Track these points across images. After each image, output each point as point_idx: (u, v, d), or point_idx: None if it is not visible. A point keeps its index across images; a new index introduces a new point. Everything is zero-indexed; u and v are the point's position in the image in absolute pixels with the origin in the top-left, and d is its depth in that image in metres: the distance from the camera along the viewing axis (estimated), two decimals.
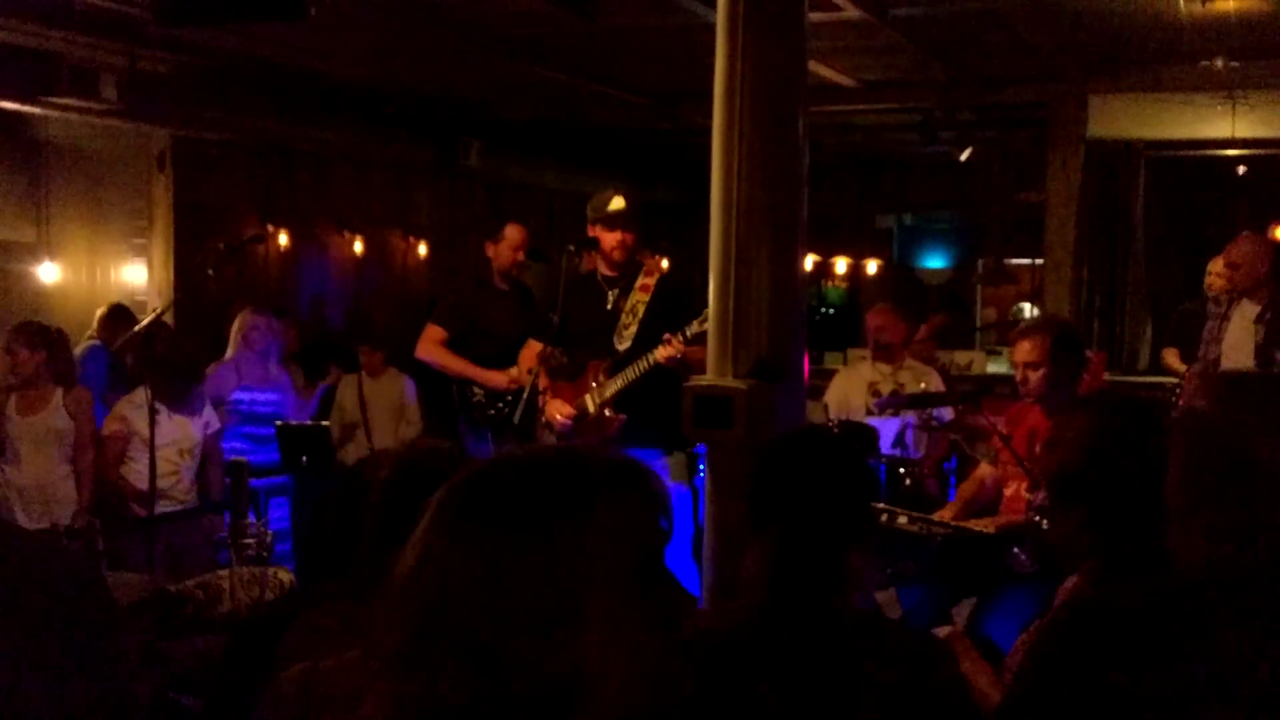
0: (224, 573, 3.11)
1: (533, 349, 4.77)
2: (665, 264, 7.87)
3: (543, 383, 4.63)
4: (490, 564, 1.02)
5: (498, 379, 5.24)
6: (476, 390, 5.34)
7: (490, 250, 5.56)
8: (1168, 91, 7.18)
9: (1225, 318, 5.78)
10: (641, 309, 4.54)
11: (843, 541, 1.86)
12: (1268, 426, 1.64)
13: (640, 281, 4.61)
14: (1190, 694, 1.72)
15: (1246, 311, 5.65)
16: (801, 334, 3.37)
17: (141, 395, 4.86)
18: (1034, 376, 3.81)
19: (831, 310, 12.39)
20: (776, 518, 1.89)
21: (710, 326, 3.36)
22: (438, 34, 6.38)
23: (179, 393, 5.00)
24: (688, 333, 4.16)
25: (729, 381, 3.17)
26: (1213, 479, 1.66)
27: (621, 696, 1.04)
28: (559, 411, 4.54)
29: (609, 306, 4.61)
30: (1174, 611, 1.72)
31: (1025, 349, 3.82)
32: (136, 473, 5.02)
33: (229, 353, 6.18)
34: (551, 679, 1.02)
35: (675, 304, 4.42)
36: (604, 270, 4.68)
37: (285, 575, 3.14)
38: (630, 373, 4.42)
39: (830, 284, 12.67)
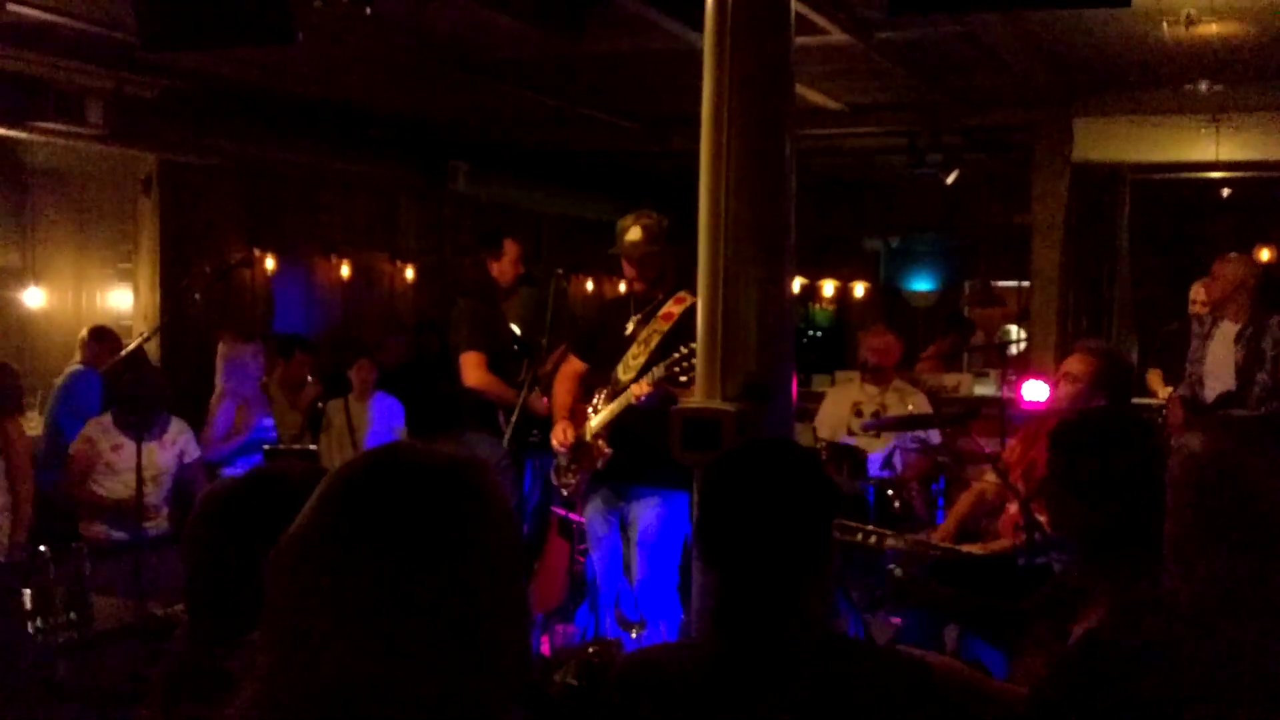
0: None
1: (571, 365, 4.68)
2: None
3: (561, 400, 4.56)
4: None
5: (542, 404, 5.22)
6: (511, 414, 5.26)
7: (494, 268, 5.57)
8: (1152, 114, 7.23)
9: (1208, 337, 5.82)
10: (655, 340, 4.30)
11: (795, 573, 1.75)
12: (1273, 470, 1.64)
13: (665, 310, 4.36)
14: None
15: (1227, 331, 5.68)
16: (790, 355, 3.37)
17: (109, 418, 4.89)
18: (1067, 390, 3.88)
19: (819, 333, 12.40)
20: (722, 550, 1.78)
21: (699, 348, 3.34)
22: (424, 57, 6.39)
23: (141, 421, 4.97)
24: (655, 374, 4.07)
25: (717, 404, 3.15)
26: (1221, 522, 1.64)
27: None
28: (559, 435, 4.49)
29: (628, 332, 4.42)
30: (1189, 650, 1.71)
31: (1073, 360, 3.89)
32: (101, 496, 5.11)
33: (220, 384, 6.10)
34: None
35: (692, 336, 4.15)
36: (634, 294, 4.49)
37: None
38: (614, 406, 4.29)
39: (818, 306, 12.69)
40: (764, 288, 3.32)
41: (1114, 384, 3.85)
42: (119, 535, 4.89)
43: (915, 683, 1.80)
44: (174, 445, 5.32)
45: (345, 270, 9.01)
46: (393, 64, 6.53)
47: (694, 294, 4.26)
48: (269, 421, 6.20)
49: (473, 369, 5.32)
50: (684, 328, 4.13)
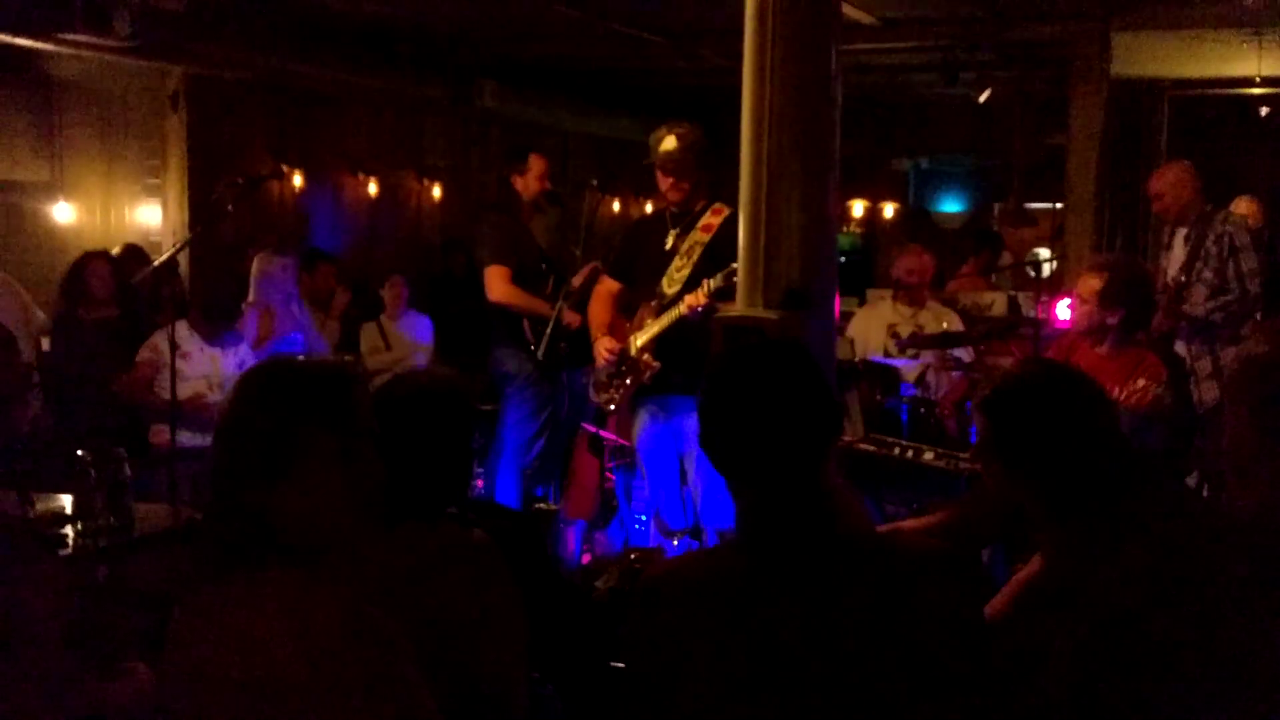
0: None
1: (605, 286, 4.66)
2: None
3: (598, 317, 4.53)
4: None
5: (574, 317, 5.22)
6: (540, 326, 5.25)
7: (518, 183, 5.51)
8: (1193, 28, 7.05)
9: (1168, 247, 5.84)
10: (698, 252, 4.29)
11: (817, 466, 1.72)
12: None
13: (704, 221, 4.35)
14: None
15: (1179, 236, 5.74)
16: (833, 266, 3.33)
17: (184, 327, 4.94)
18: (1081, 310, 3.82)
19: (843, 258, 12.29)
20: (740, 466, 1.75)
21: (740, 256, 3.31)
22: None
23: (210, 327, 5.05)
24: (710, 285, 4.04)
25: (759, 311, 3.13)
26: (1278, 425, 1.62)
27: None
28: (604, 348, 4.47)
29: (667, 246, 4.40)
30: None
31: (1082, 280, 3.85)
32: (168, 400, 5.09)
33: (252, 296, 6.15)
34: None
35: (735, 247, 4.25)
36: (671, 208, 4.47)
37: None
38: (666, 318, 4.28)
39: (843, 229, 12.58)
40: (807, 197, 3.28)
41: (1127, 295, 3.77)
42: (188, 440, 4.95)
43: (947, 571, 1.77)
44: (236, 355, 5.38)
45: (372, 188, 8.96)
46: None
47: (730, 206, 4.25)
48: (297, 335, 6.20)
49: (498, 282, 5.31)
50: (724, 238, 4.12)
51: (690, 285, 4.19)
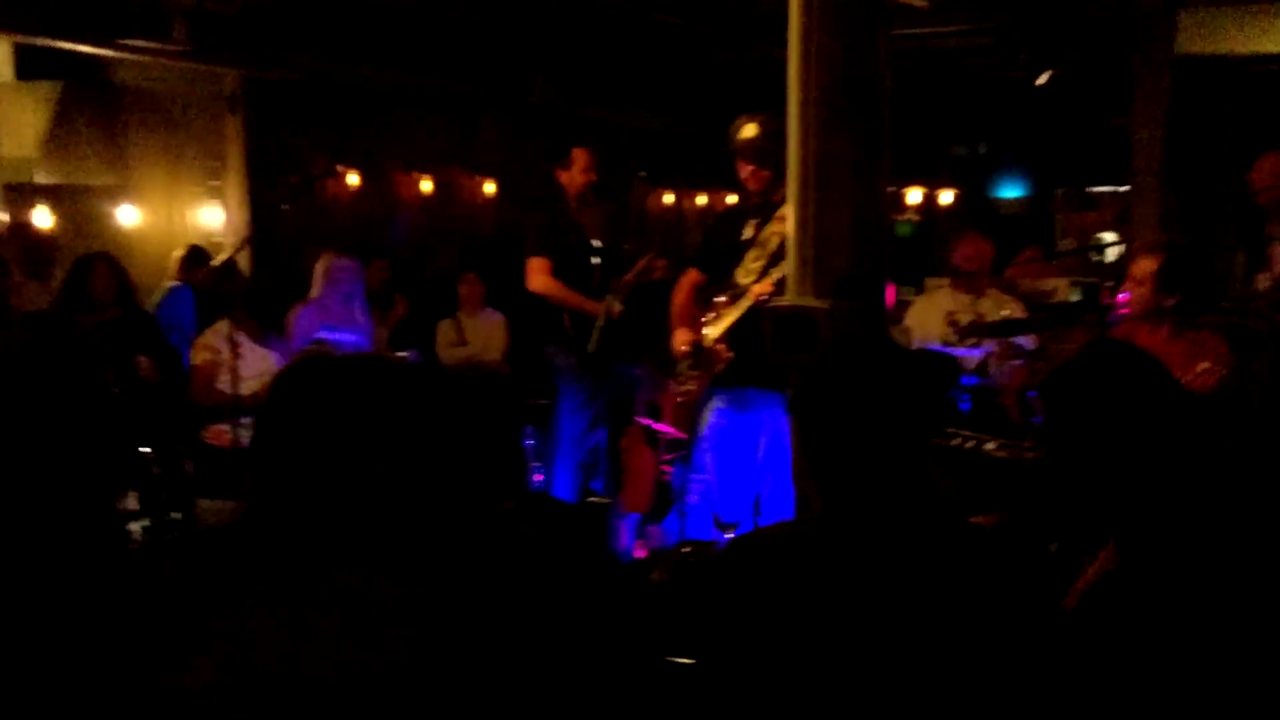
0: None
1: (688, 277, 4.62)
2: None
3: (679, 307, 4.51)
4: None
5: (614, 309, 5.21)
6: (587, 323, 5.26)
7: (563, 177, 5.50)
8: (1262, 2, 6.84)
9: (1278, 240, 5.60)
10: (774, 242, 4.22)
11: (915, 443, 1.78)
12: None
13: (781, 211, 4.18)
14: None
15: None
16: (884, 255, 3.29)
17: (225, 326, 4.96)
18: (1136, 294, 3.73)
19: (900, 247, 12.16)
20: (843, 440, 1.78)
21: (790, 246, 3.28)
22: None
23: (259, 325, 5.10)
24: (774, 275, 4.00)
25: (809, 300, 3.09)
26: None
27: None
28: (680, 340, 4.45)
29: (745, 236, 4.37)
30: None
31: (1136, 263, 3.75)
32: (230, 395, 5.13)
33: (314, 292, 6.21)
34: None
35: None
36: (752, 199, 4.42)
37: None
38: (735, 310, 4.25)
39: (898, 219, 12.44)
40: (856, 184, 3.24)
41: (1183, 277, 3.65)
42: (247, 436, 4.99)
43: (1035, 566, 1.81)
44: (285, 352, 5.44)
45: (426, 185, 9.03)
46: None
47: None
48: (348, 336, 6.22)
49: (536, 274, 5.31)
50: None
51: (766, 277, 4.17)
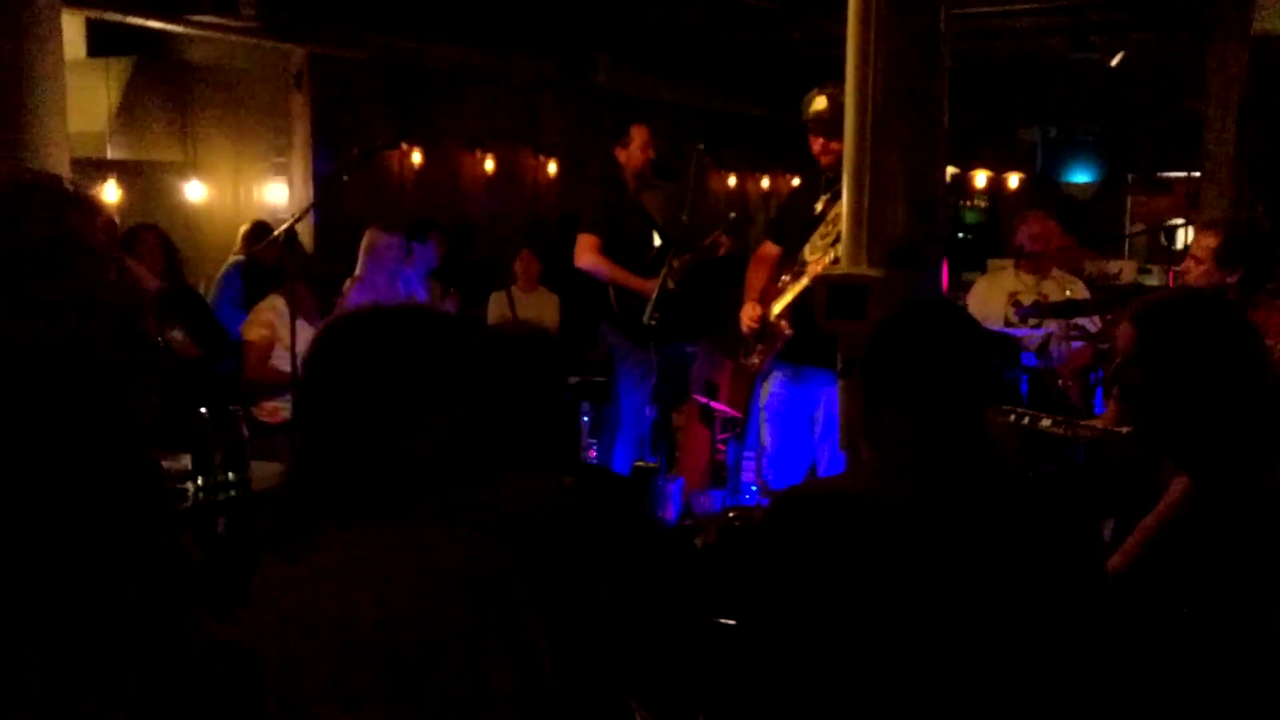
0: None
1: (766, 251, 4.62)
2: None
3: (753, 282, 4.51)
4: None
5: (649, 285, 5.23)
6: (631, 298, 5.30)
7: (621, 155, 5.49)
8: None
9: None
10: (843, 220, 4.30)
11: (978, 406, 1.79)
12: None
13: None
14: None
15: None
16: (941, 228, 3.25)
17: (280, 301, 5.00)
18: (1196, 271, 3.66)
19: (969, 235, 11.98)
20: (906, 398, 1.79)
21: (845, 217, 3.25)
22: None
23: (315, 301, 5.13)
24: (835, 253, 3.92)
25: (864, 270, 3.07)
26: None
27: None
28: (747, 314, 4.47)
29: (816, 211, 4.35)
30: None
31: (1196, 240, 3.67)
32: (286, 372, 5.19)
33: (359, 271, 6.26)
34: None
35: None
36: (826, 173, 4.38)
37: None
38: (797, 286, 4.24)
39: (967, 205, 12.25)
40: (912, 157, 3.20)
41: (1244, 255, 3.55)
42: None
43: (1085, 529, 1.80)
44: None
45: (489, 165, 9.08)
46: None
47: None
48: None
49: (583, 250, 5.33)
50: None
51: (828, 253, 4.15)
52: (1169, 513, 2.07)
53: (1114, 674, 1.74)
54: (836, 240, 4.11)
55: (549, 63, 8.84)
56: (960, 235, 11.90)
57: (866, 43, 3.17)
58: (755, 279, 4.57)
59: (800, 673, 1.71)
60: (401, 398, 1.64)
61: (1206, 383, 2.04)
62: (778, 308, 4.36)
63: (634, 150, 5.47)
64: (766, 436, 4.57)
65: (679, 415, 6.19)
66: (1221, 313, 2.15)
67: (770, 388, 4.55)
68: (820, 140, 4.27)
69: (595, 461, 5.53)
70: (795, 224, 4.41)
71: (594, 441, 5.62)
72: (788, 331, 4.31)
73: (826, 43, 7.70)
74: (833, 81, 4.23)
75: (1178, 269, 6.08)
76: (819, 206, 4.32)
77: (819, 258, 4.20)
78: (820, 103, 4.26)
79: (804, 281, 4.16)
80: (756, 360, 4.51)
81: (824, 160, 4.30)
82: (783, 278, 4.42)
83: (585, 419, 6.09)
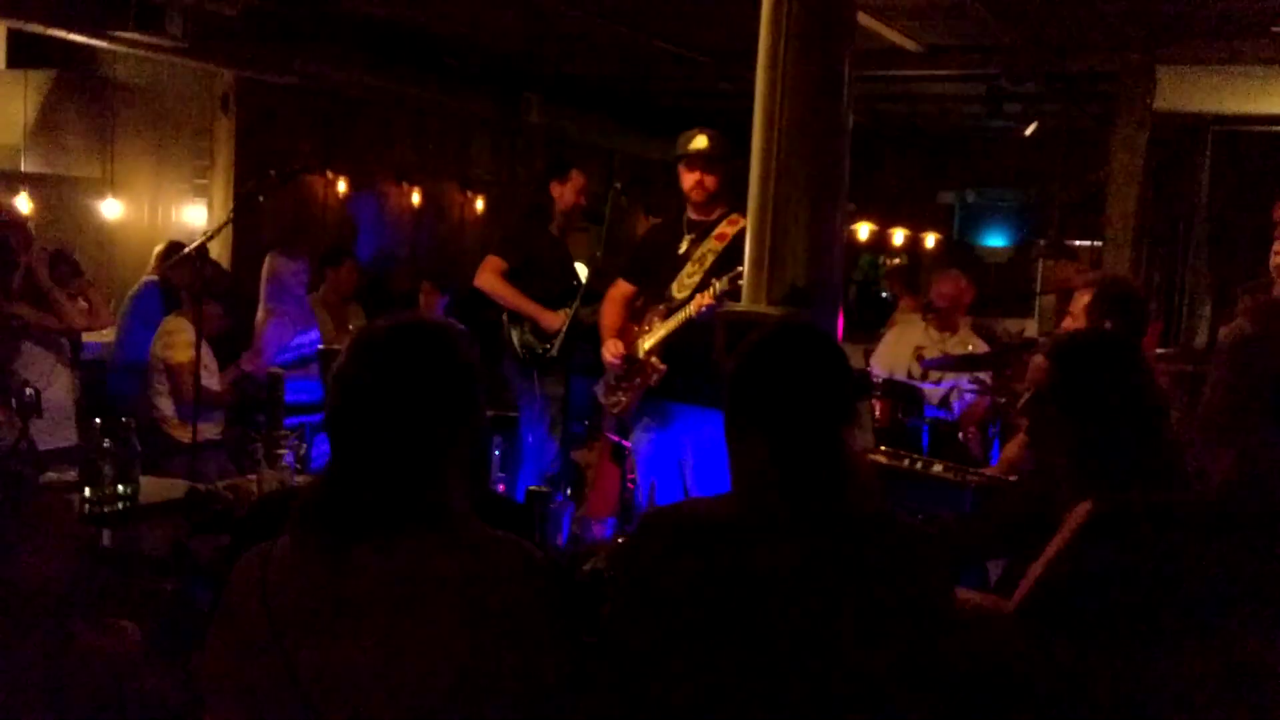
0: (254, 476, 3.18)
1: (620, 289, 4.69)
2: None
3: (609, 320, 4.58)
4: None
5: (551, 319, 5.30)
6: (527, 328, 5.39)
7: (556, 190, 5.59)
8: (1238, 64, 6.99)
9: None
10: (710, 259, 4.33)
11: (835, 426, 1.83)
12: None
13: (719, 230, 4.39)
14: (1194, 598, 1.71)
15: None
16: (838, 272, 3.35)
17: (186, 321, 4.97)
18: (1073, 327, 3.80)
19: (891, 295, 12.26)
20: (766, 418, 1.84)
21: (747, 258, 3.34)
22: None
23: (227, 321, 5.10)
24: (718, 286, 4.05)
25: (763, 308, 3.15)
26: (1253, 400, 1.64)
27: None
28: (610, 351, 4.51)
29: (681, 251, 4.45)
30: (1189, 522, 1.72)
31: (1075, 298, 3.83)
32: (214, 390, 5.17)
33: (266, 301, 6.16)
34: None
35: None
36: (689, 213, 4.51)
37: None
38: (673, 321, 4.31)
39: (885, 261, 12.57)
40: (814, 204, 3.30)
41: (1113, 310, 3.72)
42: (211, 431, 4.99)
43: (939, 555, 1.86)
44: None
45: (416, 198, 9.09)
46: None
47: (744, 217, 4.29)
48: (314, 335, 6.21)
49: (484, 270, 5.42)
50: (738, 248, 4.12)
51: (701, 289, 4.22)
52: (1074, 536, 2.15)
53: (959, 690, 1.79)
54: (704, 279, 4.22)
55: (480, 99, 8.91)
56: (883, 294, 12.19)
57: (773, 90, 3.28)
58: (612, 317, 4.62)
59: (648, 690, 1.74)
60: (448, 408, 1.67)
61: (1114, 412, 2.16)
62: (648, 344, 4.41)
63: (568, 190, 5.58)
64: (638, 480, 4.62)
65: (590, 452, 6.22)
66: (1128, 350, 2.31)
67: (639, 431, 4.58)
68: (697, 174, 4.38)
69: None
70: (655, 263, 4.49)
71: (503, 475, 5.62)
72: (660, 369, 4.35)
73: (753, 94, 7.88)
74: (708, 127, 4.48)
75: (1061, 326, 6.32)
76: (683, 246, 4.40)
77: (686, 296, 4.28)
78: (702, 140, 4.39)
79: (681, 317, 4.24)
80: (623, 399, 4.53)
81: (695, 196, 4.41)
82: (649, 316, 4.47)
83: (496, 452, 6.10)
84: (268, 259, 6.15)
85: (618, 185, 4.79)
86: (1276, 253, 6.26)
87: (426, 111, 8.99)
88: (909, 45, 7.61)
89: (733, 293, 3.93)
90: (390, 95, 8.36)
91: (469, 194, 9.66)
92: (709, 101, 9.60)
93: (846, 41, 3.36)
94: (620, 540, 2.77)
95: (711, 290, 4.04)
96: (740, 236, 4.19)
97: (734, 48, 7.85)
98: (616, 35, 7.47)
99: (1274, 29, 6.32)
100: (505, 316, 5.46)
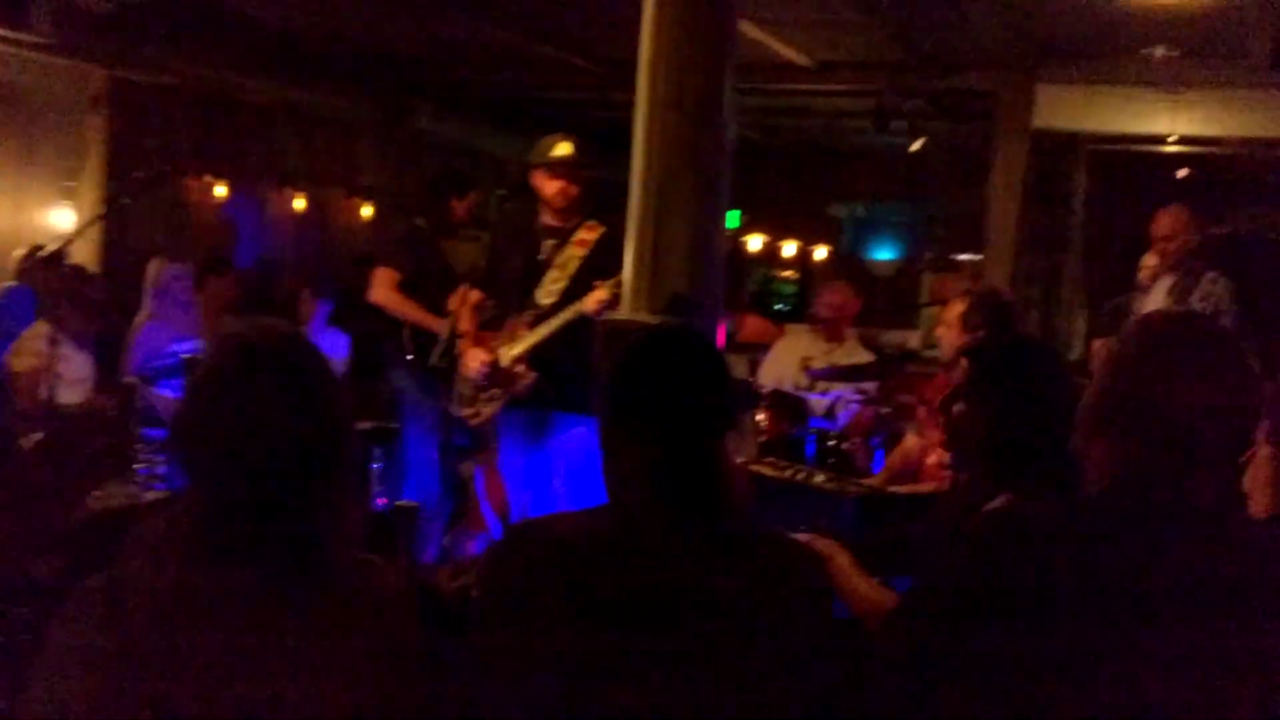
0: (99, 493, 3.02)
1: (463, 295, 4.60)
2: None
3: (463, 327, 4.49)
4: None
5: (443, 326, 5.18)
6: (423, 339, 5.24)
7: (455, 204, 5.52)
8: (1113, 84, 7.23)
9: (1145, 293, 5.87)
10: (574, 265, 4.31)
11: (713, 435, 1.79)
12: (1171, 367, 1.63)
13: (579, 236, 4.37)
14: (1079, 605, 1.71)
15: (1163, 285, 5.70)
16: (718, 279, 3.34)
17: (45, 327, 4.74)
18: (944, 335, 3.88)
19: (785, 307, 12.41)
20: (640, 427, 1.79)
21: (627, 266, 3.31)
22: None
23: (84, 326, 4.88)
24: (612, 285, 3.99)
25: (644, 316, 3.12)
26: (1113, 408, 1.66)
27: None
28: (473, 360, 4.39)
29: (542, 257, 4.40)
30: (1075, 529, 1.74)
31: (949, 308, 3.89)
32: (65, 405, 4.91)
33: (150, 306, 5.97)
34: None
35: (613, 262, 4.03)
36: (546, 219, 4.45)
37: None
38: (547, 327, 4.23)
39: (782, 277, 12.72)
40: (695, 212, 3.30)
41: (983, 318, 3.80)
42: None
43: (814, 568, 1.86)
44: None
45: (299, 204, 8.87)
46: None
47: (604, 224, 4.29)
48: (193, 344, 6.01)
49: (379, 284, 5.27)
50: (600, 253, 4.22)
51: (568, 297, 4.18)
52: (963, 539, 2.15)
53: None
54: (570, 285, 4.18)
55: (367, 105, 8.74)
56: (776, 306, 12.33)
57: (653, 99, 3.26)
58: (468, 325, 4.52)
59: (510, 716, 1.68)
60: (306, 429, 1.57)
61: (1032, 410, 2.22)
62: (515, 352, 4.33)
63: (465, 206, 5.53)
64: (509, 495, 4.53)
65: (473, 464, 6.11)
66: (1045, 350, 2.45)
67: (505, 443, 4.50)
68: (559, 183, 4.33)
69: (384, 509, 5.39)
70: (510, 271, 4.42)
71: (383, 489, 5.49)
72: (529, 377, 4.28)
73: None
74: (569, 133, 4.45)
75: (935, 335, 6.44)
76: (544, 253, 4.37)
77: (553, 301, 4.23)
78: (565, 147, 4.35)
79: (555, 323, 4.18)
80: (484, 411, 4.44)
81: (557, 204, 4.36)
82: (511, 324, 4.40)
83: (376, 465, 5.95)
84: (151, 264, 5.93)
85: (502, 192, 4.69)
86: (1142, 267, 6.53)
87: (312, 115, 8.78)
88: (800, 60, 7.70)
89: (617, 298, 3.88)
90: (274, 98, 8.14)
91: (355, 200, 9.46)
92: (600, 110, 9.60)
93: (727, 51, 3.36)
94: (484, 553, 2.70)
95: (610, 285, 3.94)
96: (603, 242, 4.28)
97: (626, 56, 7.85)
98: (506, 42, 7.40)
99: (1144, 51, 6.54)
100: (409, 331, 5.29)
